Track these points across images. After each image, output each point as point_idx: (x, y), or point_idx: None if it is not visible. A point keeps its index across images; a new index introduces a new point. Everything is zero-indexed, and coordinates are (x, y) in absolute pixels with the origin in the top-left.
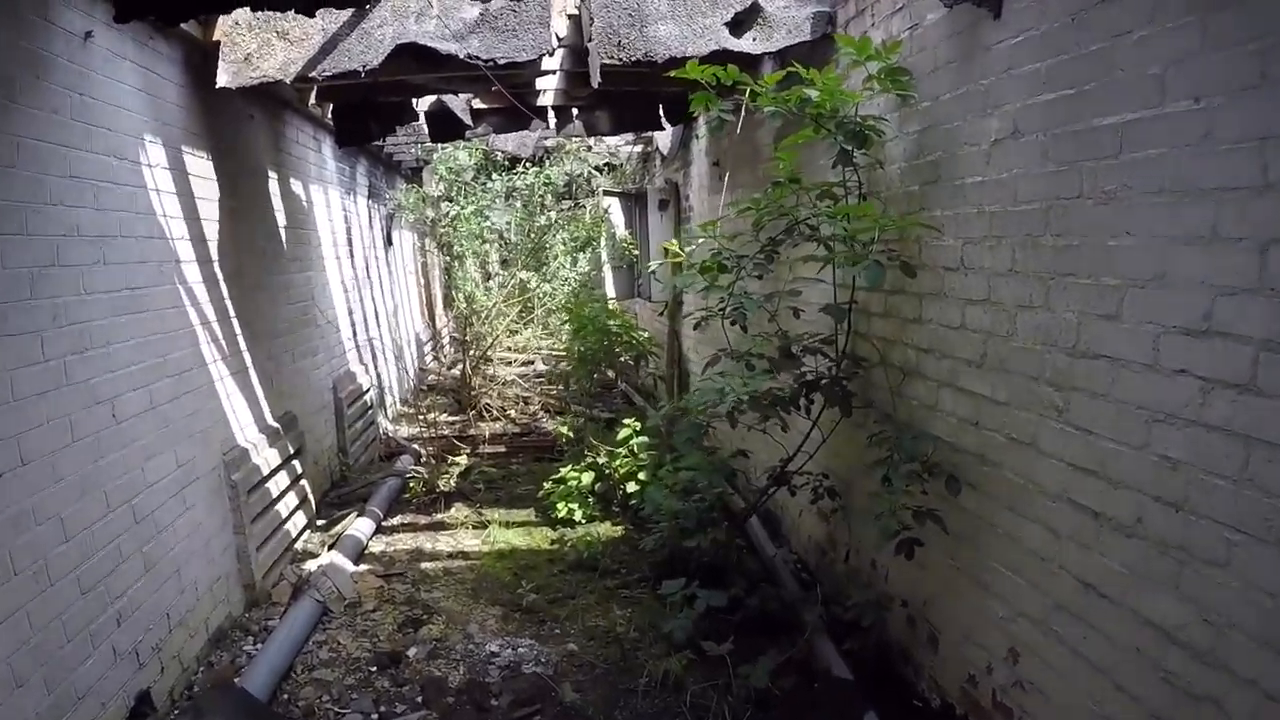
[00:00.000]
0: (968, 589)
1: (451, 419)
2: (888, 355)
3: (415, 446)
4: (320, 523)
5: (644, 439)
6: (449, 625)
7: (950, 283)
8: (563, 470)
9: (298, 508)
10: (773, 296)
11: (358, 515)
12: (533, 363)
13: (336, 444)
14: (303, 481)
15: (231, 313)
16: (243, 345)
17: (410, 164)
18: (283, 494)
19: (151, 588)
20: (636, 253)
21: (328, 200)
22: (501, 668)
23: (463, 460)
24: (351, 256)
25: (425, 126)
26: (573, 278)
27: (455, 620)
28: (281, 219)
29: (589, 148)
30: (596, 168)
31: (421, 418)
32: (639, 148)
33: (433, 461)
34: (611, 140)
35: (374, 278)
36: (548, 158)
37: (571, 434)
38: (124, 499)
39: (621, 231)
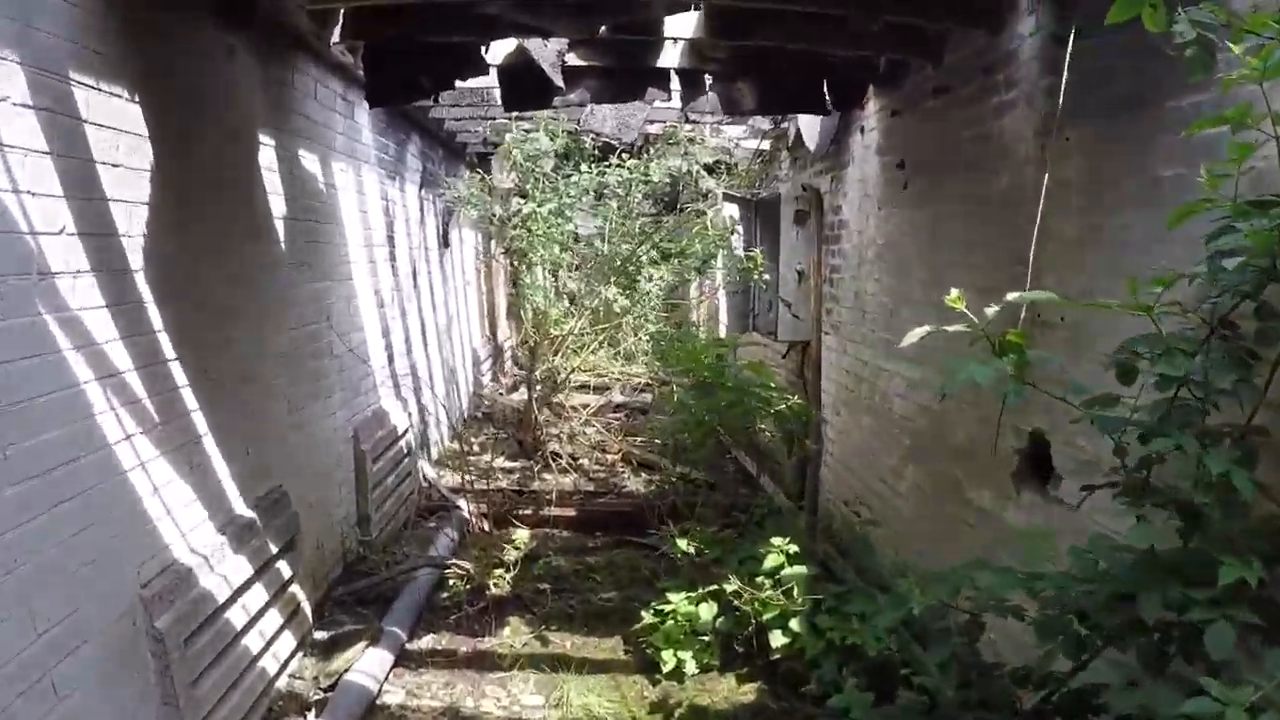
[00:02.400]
0: None
1: (510, 465)
2: None
3: (462, 504)
4: (319, 636)
5: (800, 570)
6: None
7: None
8: (671, 599)
9: (282, 628)
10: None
11: (369, 644)
12: (608, 389)
13: (355, 513)
14: (293, 588)
15: (168, 353)
16: (191, 402)
17: (477, 147)
18: (256, 618)
19: None
20: (765, 277)
21: (360, 184)
22: None
23: (522, 537)
24: (393, 260)
25: (498, 87)
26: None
27: None
28: (279, 206)
29: (693, 140)
30: (706, 166)
31: (472, 461)
32: (763, 143)
33: (480, 551)
34: (731, 130)
35: (423, 287)
36: (649, 148)
37: (690, 550)
38: None
39: (737, 247)
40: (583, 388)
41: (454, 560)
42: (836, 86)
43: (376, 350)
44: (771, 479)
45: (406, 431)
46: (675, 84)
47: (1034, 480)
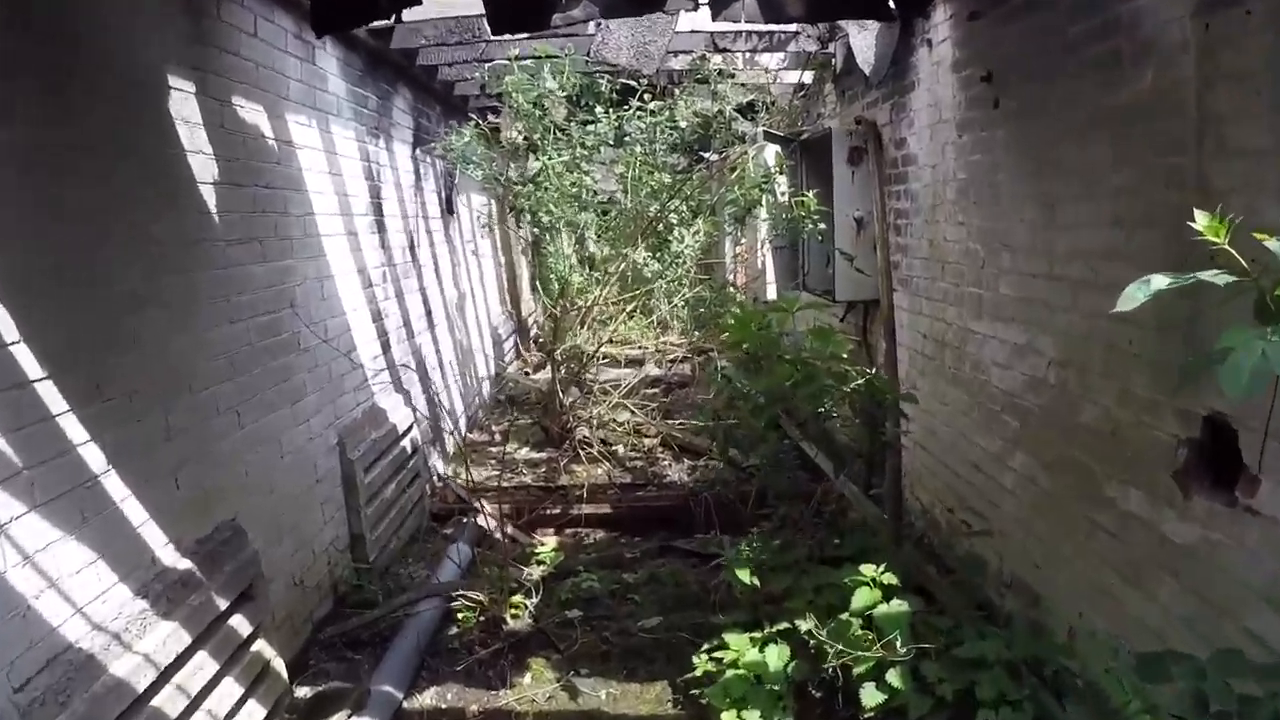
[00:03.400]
0: None
1: (534, 456)
2: None
3: (482, 505)
4: (302, 693)
5: (900, 610)
6: None
7: None
8: (730, 641)
9: (244, 699)
10: None
11: (352, 713)
12: (641, 362)
13: (346, 535)
14: (257, 645)
15: (33, 371)
16: (78, 432)
17: (482, 100)
18: (202, 697)
19: None
20: (820, 226)
21: (330, 143)
22: None
23: (548, 548)
24: (381, 231)
25: (480, 2)
26: (725, 261)
27: None
28: (206, 168)
29: (725, 74)
30: (739, 108)
31: (494, 453)
32: (804, 74)
33: (497, 569)
34: (767, 60)
35: (424, 260)
36: (674, 88)
37: (753, 582)
38: None
39: (782, 194)
40: (614, 362)
41: (461, 592)
42: None
43: (365, 339)
44: (848, 475)
45: (410, 429)
46: None
47: (1210, 482)
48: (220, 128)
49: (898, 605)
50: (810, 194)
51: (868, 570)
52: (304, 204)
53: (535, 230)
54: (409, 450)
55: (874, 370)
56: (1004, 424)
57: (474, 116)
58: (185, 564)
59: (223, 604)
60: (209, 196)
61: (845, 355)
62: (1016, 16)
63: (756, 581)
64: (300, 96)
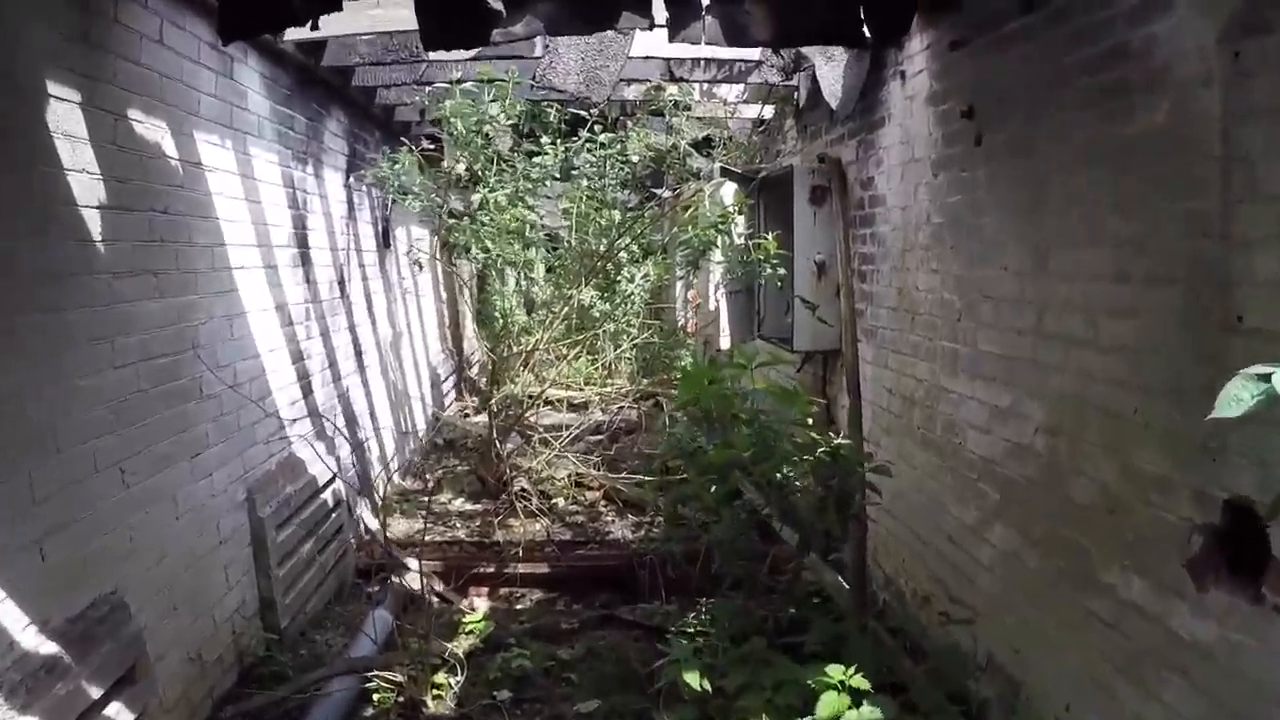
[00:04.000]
0: None
1: (469, 507)
2: None
3: (409, 563)
4: None
5: (869, 715)
6: None
7: None
8: None
9: None
10: None
11: None
12: (586, 406)
13: (256, 598)
14: None
15: None
16: None
17: (425, 128)
18: None
19: None
20: (780, 271)
21: (249, 167)
22: None
23: (477, 616)
24: (305, 265)
25: (414, 16)
26: (674, 305)
27: None
28: (91, 190)
29: (681, 105)
30: (695, 143)
31: (427, 505)
32: (764, 110)
33: (419, 640)
34: (725, 92)
35: (356, 297)
36: (626, 119)
37: (704, 686)
38: None
39: (739, 235)
40: (558, 406)
41: (377, 673)
42: (876, 9)
43: (283, 382)
44: (810, 547)
45: (332, 480)
46: (660, 6)
47: (1230, 574)
48: (111, 144)
49: (869, 713)
50: (770, 236)
51: (835, 672)
52: (213, 233)
53: (478, 266)
54: (330, 504)
55: (833, 426)
56: (981, 494)
57: (406, 142)
58: (51, 647)
59: (97, 691)
60: (93, 223)
61: (810, 415)
62: (1005, 45)
63: (707, 685)
64: (214, 114)
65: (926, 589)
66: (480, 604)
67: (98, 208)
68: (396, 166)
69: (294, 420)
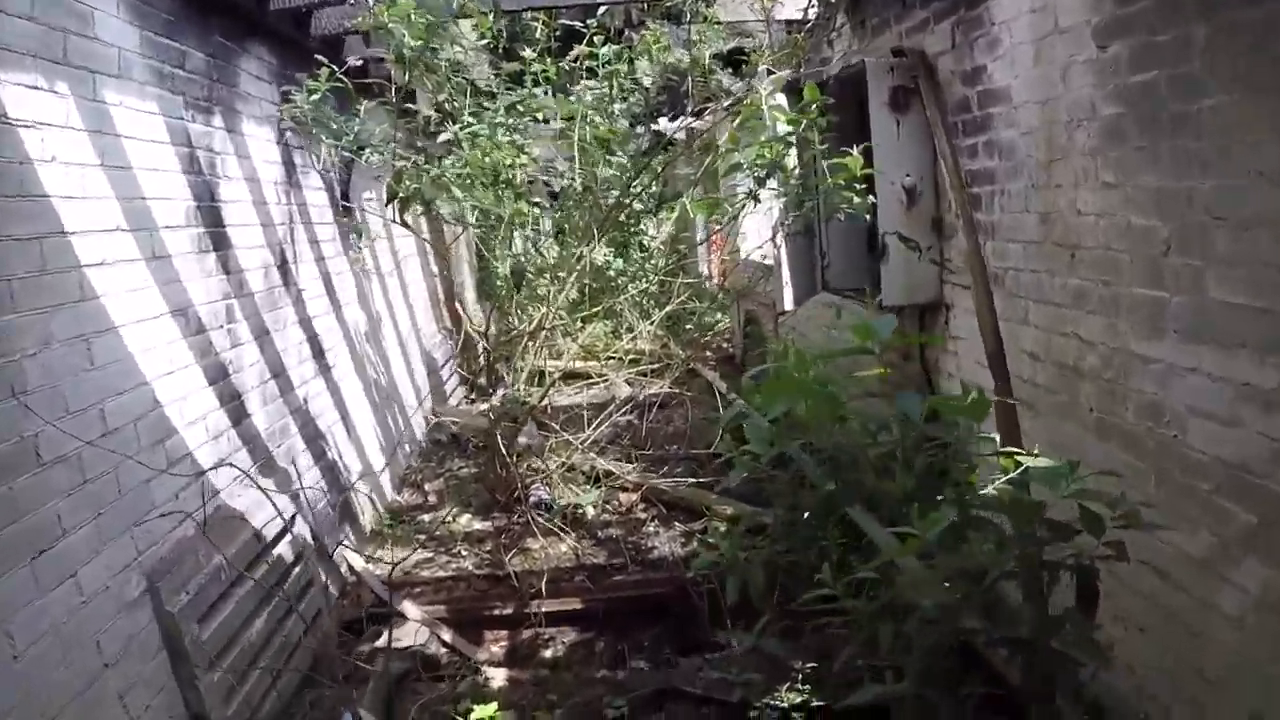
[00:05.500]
0: None
1: (478, 526)
2: None
3: (408, 610)
4: None
5: None
6: None
7: None
8: None
9: None
10: None
11: None
12: (605, 379)
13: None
14: None
15: None
16: None
17: (384, 69)
18: None
19: None
20: (870, 200)
21: (107, 121)
22: None
23: (489, 709)
24: (220, 249)
25: None
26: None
27: None
28: None
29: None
30: (721, 55)
31: (427, 522)
32: (809, 7)
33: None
34: None
35: (306, 281)
36: (633, 29)
37: None
38: None
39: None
40: (576, 376)
41: None
42: None
43: (195, 412)
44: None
45: (291, 522)
46: None
47: None
48: None
49: None
50: (855, 151)
51: None
52: (40, 219)
53: (461, 228)
54: (289, 557)
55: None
56: (1222, 513)
57: (323, 60)
58: None
59: None
60: None
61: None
62: None
63: None
64: (31, 45)
65: (1114, 635)
66: (496, 673)
67: None
68: (314, 97)
69: (220, 460)
